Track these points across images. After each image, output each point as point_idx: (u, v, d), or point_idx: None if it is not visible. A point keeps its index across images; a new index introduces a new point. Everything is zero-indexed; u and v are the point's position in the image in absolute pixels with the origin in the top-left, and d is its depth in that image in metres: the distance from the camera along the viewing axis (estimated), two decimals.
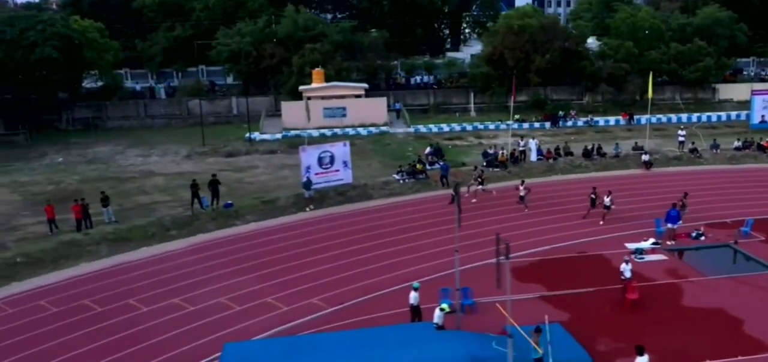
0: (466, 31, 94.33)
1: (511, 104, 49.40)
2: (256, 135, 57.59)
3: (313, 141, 55.85)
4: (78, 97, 68.47)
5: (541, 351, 19.03)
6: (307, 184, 38.29)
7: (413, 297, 23.19)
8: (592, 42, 72.36)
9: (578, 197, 37.67)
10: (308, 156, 40.04)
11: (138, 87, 75.03)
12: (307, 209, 37.86)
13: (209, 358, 22.07)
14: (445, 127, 60.52)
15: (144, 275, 29.28)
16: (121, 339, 23.60)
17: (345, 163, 41.03)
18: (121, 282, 28.45)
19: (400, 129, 60.16)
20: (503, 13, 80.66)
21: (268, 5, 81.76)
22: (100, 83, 70.43)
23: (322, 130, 58.41)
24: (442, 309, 21.66)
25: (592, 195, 34.64)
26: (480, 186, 38.94)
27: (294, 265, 29.82)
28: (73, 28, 64.47)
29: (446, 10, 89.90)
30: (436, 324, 21.54)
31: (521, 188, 36.65)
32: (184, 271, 29.58)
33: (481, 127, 60.52)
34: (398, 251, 31.32)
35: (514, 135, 49.62)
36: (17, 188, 44.50)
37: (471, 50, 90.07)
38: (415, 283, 23.79)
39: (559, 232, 33.14)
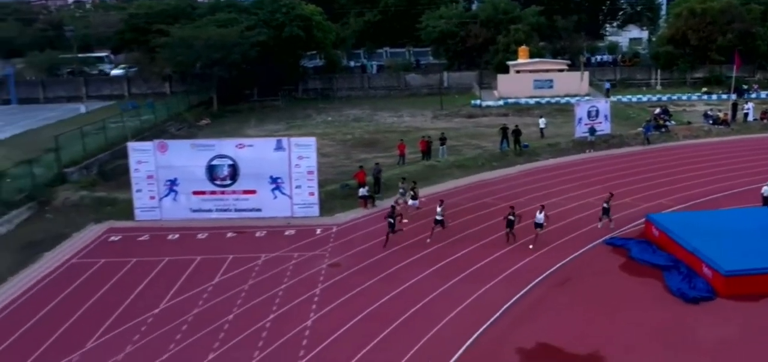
0: (620, 16, 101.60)
1: (734, 75, 57.03)
2: (479, 102, 66.98)
3: (530, 107, 65.26)
4: (303, 72, 79.56)
5: None
6: (593, 131, 47.40)
7: (765, 190, 32.01)
8: None
9: None
10: (581, 109, 49.16)
11: (352, 64, 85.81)
12: (587, 151, 46.91)
13: (625, 227, 31.27)
14: (643, 98, 68.63)
15: (508, 187, 38.86)
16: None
17: (606, 117, 49.94)
18: (492, 192, 37.92)
19: (603, 99, 68.46)
20: None
21: None
22: (320, 61, 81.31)
23: (536, 99, 67.32)
24: None
25: (511, 217, 29.43)
26: (413, 201, 33.72)
27: (623, 181, 38.88)
28: (307, 11, 75.39)
29: None
30: None
31: (439, 209, 30.51)
32: (537, 185, 38.96)
33: (675, 97, 68.40)
34: (693, 176, 40.08)
35: (735, 103, 57.25)
36: (322, 138, 54.88)
37: (629, 34, 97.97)
38: None
39: None
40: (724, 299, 23.28)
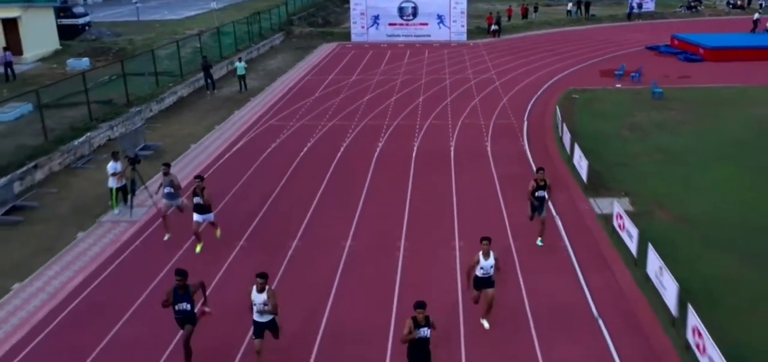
0: None
1: None
2: None
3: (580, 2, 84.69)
4: None
5: None
6: (640, 6, 67.71)
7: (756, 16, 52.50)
8: None
9: None
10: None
11: None
12: (635, 20, 67.24)
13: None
14: None
15: (587, 34, 59.54)
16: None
17: None
18: (577, 34, 58.79)
19: None
20: None
21: None
22: None
23: None
24: None
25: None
26: (202, 214, 17.40)
27: (657, 31, 59.27)
28: None
29: None
30: None
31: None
32: (606, 34, 59.52)
33: None
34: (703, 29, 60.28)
35: None
36: None
37: None
38: None
39: None
40: (708, 62, 44.25)
